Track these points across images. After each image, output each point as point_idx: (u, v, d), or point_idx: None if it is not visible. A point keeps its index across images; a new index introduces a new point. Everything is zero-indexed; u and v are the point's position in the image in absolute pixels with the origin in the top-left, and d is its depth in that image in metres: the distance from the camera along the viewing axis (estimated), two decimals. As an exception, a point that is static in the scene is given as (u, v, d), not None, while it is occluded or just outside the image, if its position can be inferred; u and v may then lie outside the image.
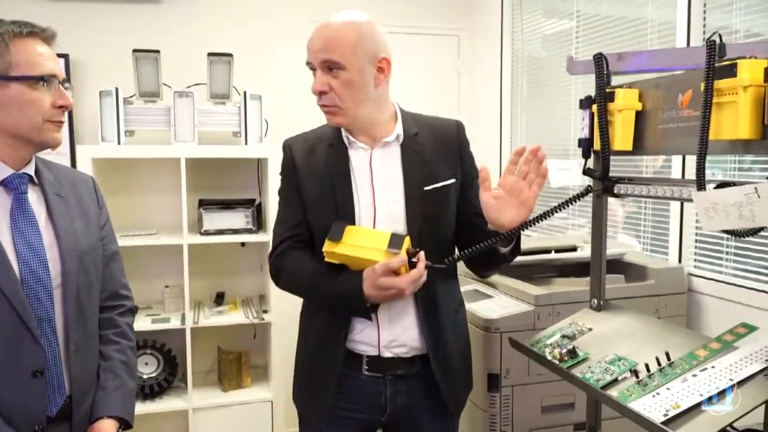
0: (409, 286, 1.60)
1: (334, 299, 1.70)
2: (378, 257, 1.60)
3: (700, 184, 1.30)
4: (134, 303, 1.86)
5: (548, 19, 3.54)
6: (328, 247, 1.65)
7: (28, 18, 1.54)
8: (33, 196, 1.57)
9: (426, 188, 1.74)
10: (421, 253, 1.62)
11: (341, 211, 1.71)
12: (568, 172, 3.23)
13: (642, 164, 2.71)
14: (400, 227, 1.71)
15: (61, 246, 1.56)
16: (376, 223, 1.71)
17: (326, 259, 1.66)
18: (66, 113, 1.58)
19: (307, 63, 1.70)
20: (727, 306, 2.30)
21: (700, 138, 1.28)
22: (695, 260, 2.49)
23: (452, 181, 1.78)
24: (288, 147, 1.85)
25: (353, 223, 1.70)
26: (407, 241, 1.62)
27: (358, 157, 1.77)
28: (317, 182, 1.76)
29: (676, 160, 2.51)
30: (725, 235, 2.33)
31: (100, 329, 1.70)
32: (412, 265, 1.61)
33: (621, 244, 2.76)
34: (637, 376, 1.41)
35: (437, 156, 1.79)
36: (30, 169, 1.57)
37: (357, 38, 1.65)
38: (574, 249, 2.57)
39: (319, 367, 1.80)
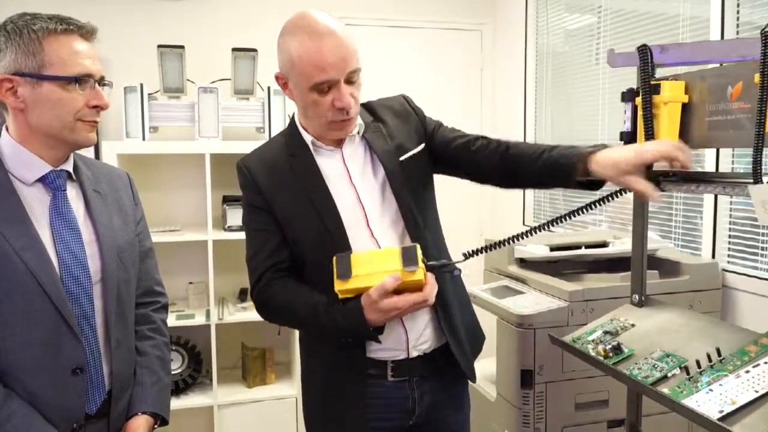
0: (410, 307, 1.52)
1: (336, 332, 1.61)
2: None
3: (757, 176, 1.27)
4: (168, 299, 1.85)
5: (571, 14, 3.51)
6: (339, 286, 1.51)
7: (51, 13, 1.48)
8: (72, 193, 1.55)
9: (401, 158, 1.71)
10: (429, 275, 1.54)
11: (326, 219, 1.63)
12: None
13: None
14: (392, 206, 1.68)
15: (100, 242, 1.55)
16: (369, 221, 1.66)
17: (340, 297, 1.54)
18: (100, 113, 1.53)
19: (322, 83, 1.55)
20: (763, 302, 2.27)
21: (757, 130, 1.26)
22: (729, 255, 2.46)
23: (422, 146, 1.77)
24: (245, 168, 1.71)
25: (342, 230, 1.62)
26: (419, 251, 1.51)
27: (327, 160, 1.69)
28: (291, 197, 1.66)
29: (709, 153, 2.49)
30: (760, 230, 2.31)
31: (136, 325, 1.69)
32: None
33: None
34: (688, 373, 1.39)
35: (399, 128, 1.76)
36: (68, 166, 1.55)
37: (353, 39, 1.59)
38: (604, 245, 2.54)
39: (339, 388, 1.70)
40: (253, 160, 1.73)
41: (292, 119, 1.76)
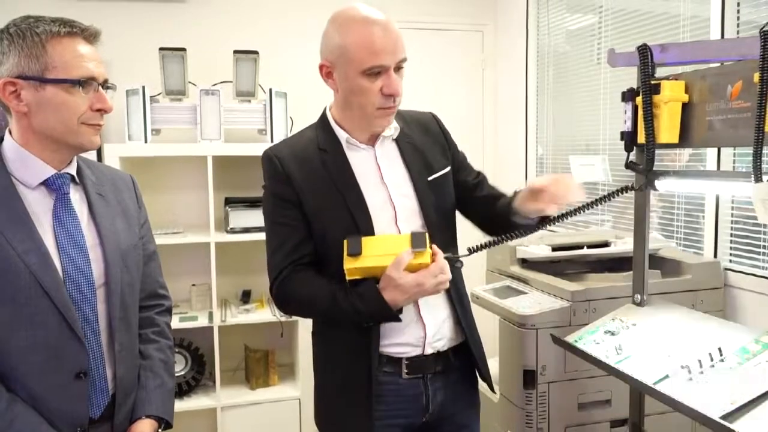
0: (429, 280, 1.54)
1: (357, 315, 1.61)
2: None
3: (757, 175, 1.28)
4: (171, 302, 1.85)
5: (572, 14, 3.52)
6: (349, 263, 1.54)
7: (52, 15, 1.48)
8: (75, 196, 1.55)
9: (429, 179, 1.72)
10: (434, 247, 1.58)
11: (357, 216, 1.64)
12: (591, 168, 3.21)
13: (666, 158, 2.68)
14: (418, 222, 1.69)
15: (104, 245, 1.54)
16: (398, 220, 1.68)
17: (348, 277, 1.56)
18: (104, 116, 1.52)
19: (374, 68, 1.56)
20: (765, 300, 2.27)
21: (756, 128, 1.26)
22: (731, 255, 2.46)
23: (448, 168, 1.79)
24: (277, 158, 1.68)
25: (371, 227, 1.63)
26: (428, 238, 1.56)
27: (359, 157, 1.70)
28: (322, 192, 1.66)
29: (711, 152, 2.49)
30: (762, 229, 2.31)
31: (140, 328, 1.69)
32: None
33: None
34: (689, 372, 1.39)
35: (428, 146, 1.77)
36: (72, 169, 1.55)
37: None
38: (606, 244, 2.55)
39: (353, 385, 1.69)
40: (284, 151, 1.70)
41: (324, 114, 1.75)
